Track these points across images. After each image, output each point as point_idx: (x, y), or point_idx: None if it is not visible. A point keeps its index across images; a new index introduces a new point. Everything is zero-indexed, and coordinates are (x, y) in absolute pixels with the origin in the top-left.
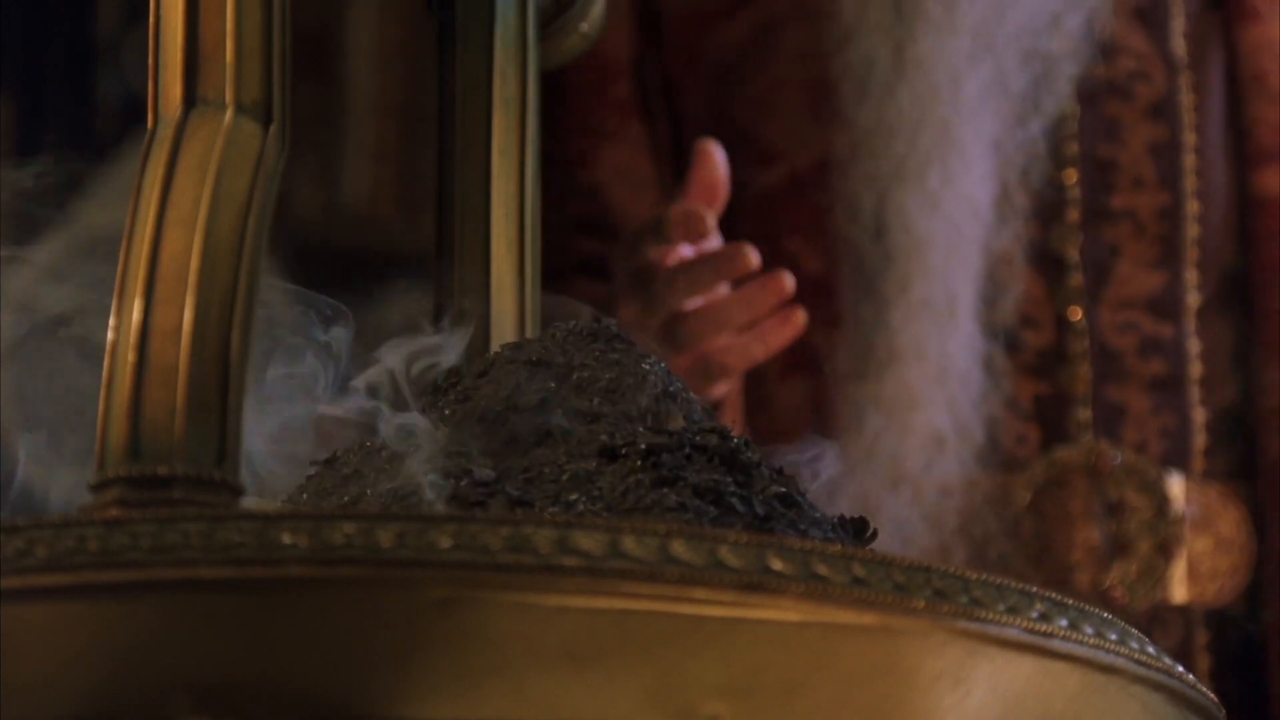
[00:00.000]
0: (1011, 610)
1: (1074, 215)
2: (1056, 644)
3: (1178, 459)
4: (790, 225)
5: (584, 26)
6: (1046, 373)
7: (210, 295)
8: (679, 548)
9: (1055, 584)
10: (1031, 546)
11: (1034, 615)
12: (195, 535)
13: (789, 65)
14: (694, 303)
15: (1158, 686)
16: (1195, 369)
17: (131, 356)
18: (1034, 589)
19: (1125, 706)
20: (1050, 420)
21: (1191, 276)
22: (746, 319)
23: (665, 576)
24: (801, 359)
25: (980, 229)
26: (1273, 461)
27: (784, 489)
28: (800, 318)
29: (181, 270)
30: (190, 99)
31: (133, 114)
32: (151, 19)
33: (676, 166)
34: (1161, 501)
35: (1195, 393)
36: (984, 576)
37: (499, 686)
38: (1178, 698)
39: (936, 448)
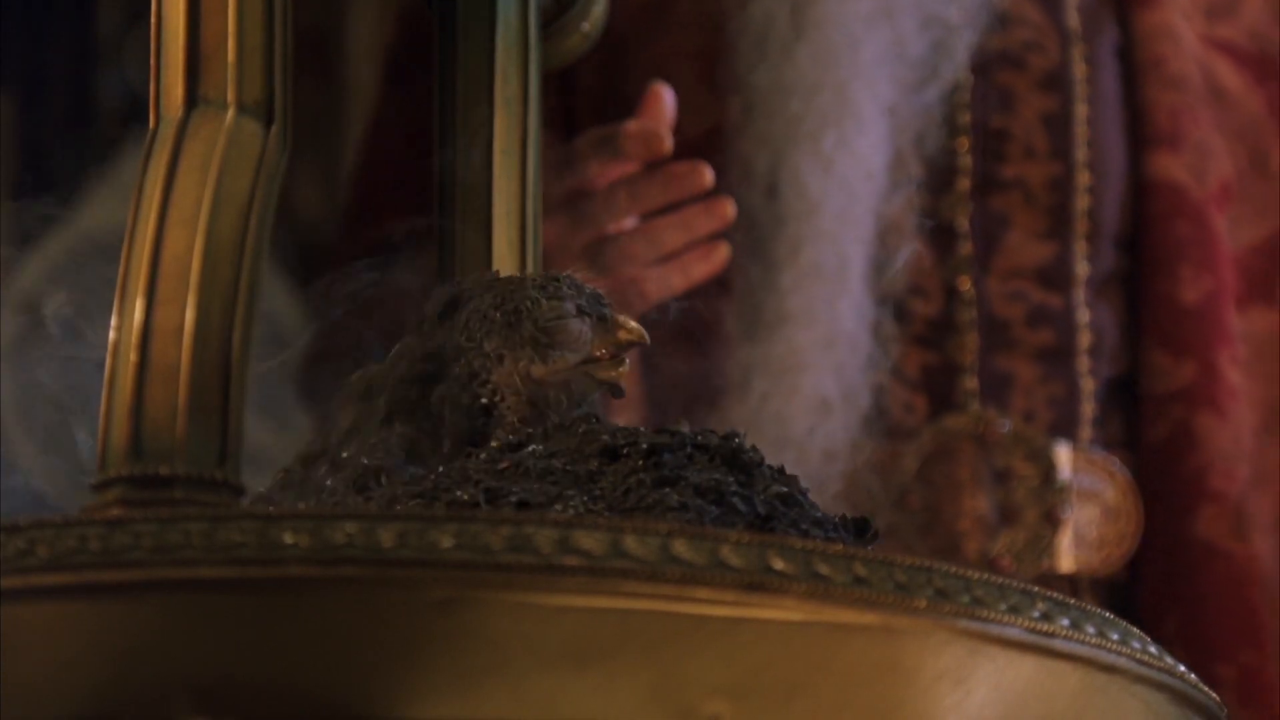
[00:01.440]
0: (1013, 610)
1: (965, 184)
2: (1058, 643)
3: (1065, 428)
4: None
5: (585, 26)
6: (935, 342)
7: (212, 295)
8: (680, 547)
9: (943, 553)
10: (920, 515)
11: (1035, 615)
12: (196, 535)
13: (683, 34)
14: (626, 224)
15: (1159, 686)
16: (1084, 339)
17: (133, 356)
18: (1035, 589)
19: (1127, 706)
20: (938, 389)
21: (1081, 247)
22: (681, 243)
23: (667, 576)
24: (689, 321)
25: (873, 194)
26: (1154, 444)
27: (785, 489)
28: (723, 253)
29: (183, 270)
30: (192, 99)
31: (134, 114)
32: (153, 19)
33: (568, 139)
34: (1049, 470)
35: (1084, 363)
36: (986, 576)
37: (500, 686)
38: (1179, 697)
39: (822, 412)
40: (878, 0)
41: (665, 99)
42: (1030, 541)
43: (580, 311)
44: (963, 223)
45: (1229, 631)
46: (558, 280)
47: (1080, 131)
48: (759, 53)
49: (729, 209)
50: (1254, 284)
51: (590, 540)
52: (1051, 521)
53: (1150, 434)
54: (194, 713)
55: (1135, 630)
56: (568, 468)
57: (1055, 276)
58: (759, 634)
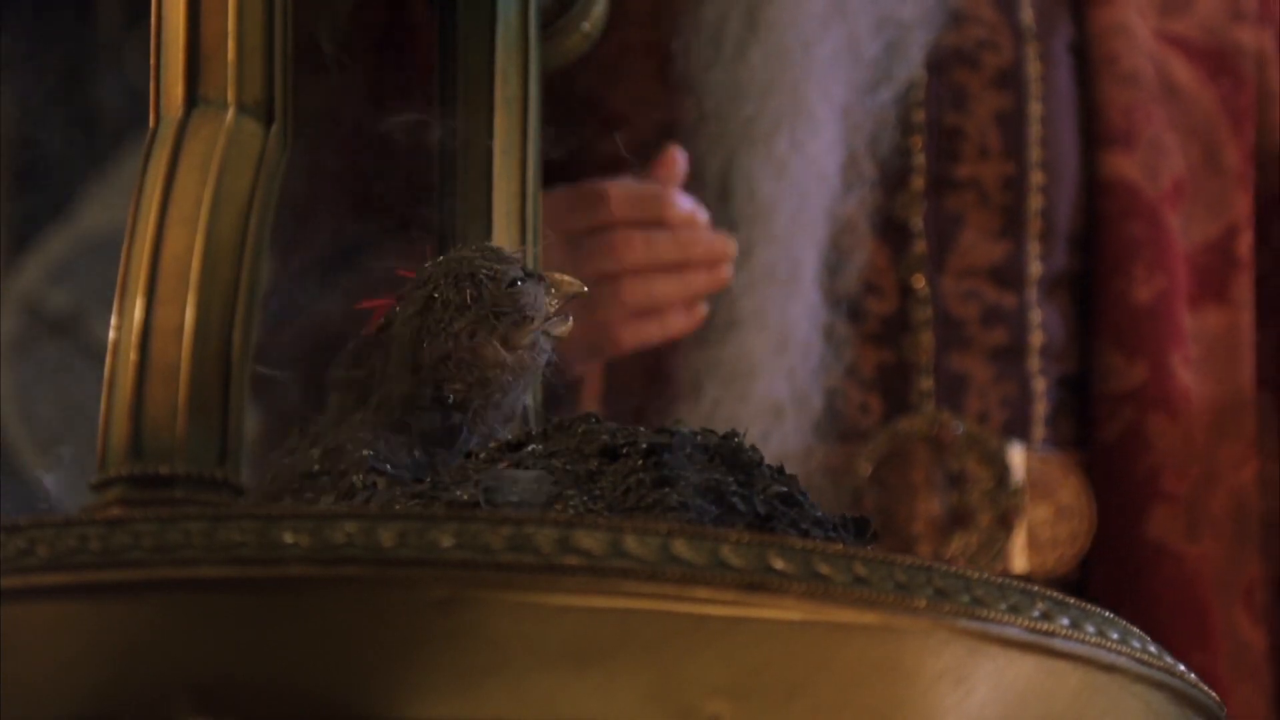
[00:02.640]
0: (1013, 609)
1: (919, 183)
2: (1058, 643)
3: (1018, 428)
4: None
5: (585, 26)
6: (890, 340)
7: (212, 294)
8: (680, 547)
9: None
10: (874, 518)
11: (1035, 614)
12: (197, 534)
13: (637, 29)
14: (630, 267)
15: (1159, 685)
16: (1036, 338)
17: (133, 355)
18: (1036, 588)
19: (1127, 705)
20: (893, 389)
21: (1035, 247)
22: (673, 299)
23: (667, 576)
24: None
25: (826, 195)
26: (1106, 445)
27: (785, 488)
28: (702, 312)
29: (183, 269)
30: (192, 99)
31: (134, 114)
32: (153, 19)
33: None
34: (1002, 472)
35: (1035, 362)
36: (986, 575)
37: (500, 686)
38: (1179, 696)
39: (775, 416)
40: (832, 0)
41: (678, 163)
42: (984, 544)
43: (526, 274)
44: (917, 222)
45: (1180, 632)
46: (494, 250)
47: (1034, 131)
48: (712, 52)
49: (728, 275)
50: (1206, 282)
51: (590, 540)
52: (1005, 525)
53: (1102, 434)
54: (194, 712)
55: (1135, 630)
56: (567, 467)
57: (1009, 275)
58: (759, 634)
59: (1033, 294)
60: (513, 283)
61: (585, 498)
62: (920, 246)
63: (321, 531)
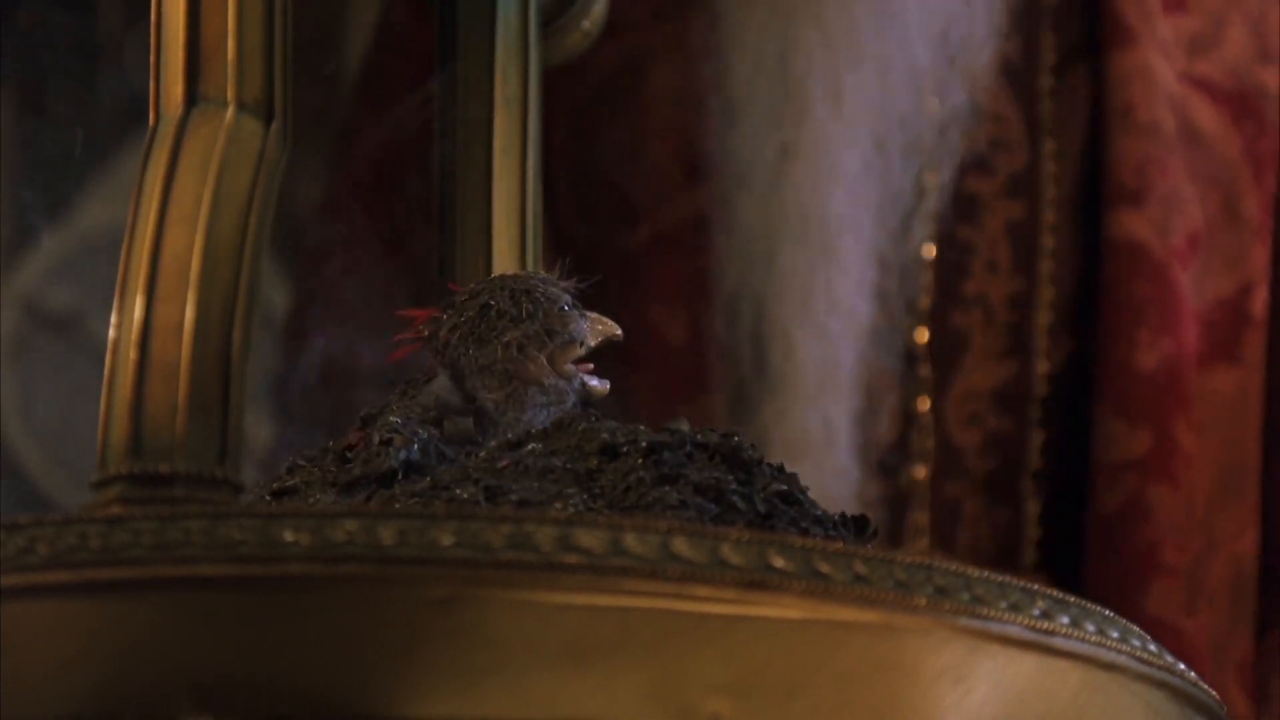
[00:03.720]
0: (1013, 608)
1: (926, 302)
2: (1058, 641)
3: (1009, 556)
4: (653, 293)
5: (585, 25)
6: (890, 468)
7: (212, 293)
8: (681, 545)
9: None
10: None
11: (1036, 613)
12: (197, 533)
13: (658, 109)
14: None
15: (1159, 684)
16: (1033, 461)
17: (133, 354)
18: (1035, 586)
19: (1127, 704)
20: (890, 520)
21: (1041, 366)
22: None
23: (667, 574)
24: None
25: (858, 347)
26: (1105, 516)
27: (785, 487)
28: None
29: (183, 268)
30: (192, 97)
31: (135, 112)
32: (153, 17)
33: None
34: None
35: (1028, 485)
36: (985, 574)
37: (500, 684)
38: (1179, 695)
39: None
40: (866, 131)
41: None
42: None
43: (573, 304)
44: (922, 342)
45: None
46: (549, 278)
47: (1045, 242)
48: (743, 182)
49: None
50: (1217, 341)
51: (590, 538)
52: None
53: (1101, 504)
54: (194, 710)
55: (1135, 628)
56: (568, 466)
57: (1010, 397)
58: (759, 632)
59: (1034, 413)
60: (564, 307)
61: (586, 496)
62: (925, 369)
63: (322, 530)
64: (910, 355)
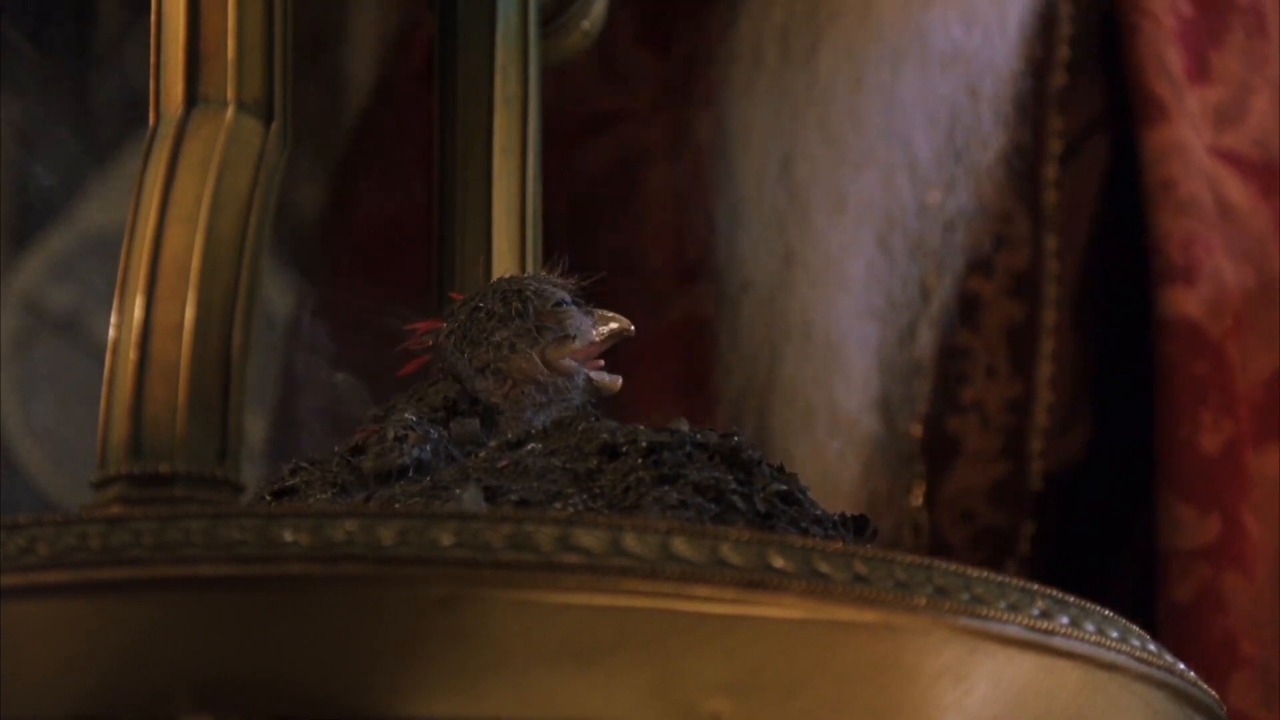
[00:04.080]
0: (1013, 607)
1: (922, 408)
2: (1058, 641)
3: None
4: (650, 394)
5: (585, 24)
6: None
7: (212, 293)
8: (680, 545)
9: None
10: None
11: (1035, 613)
12: (197, 533)
13: (657, 207)
14: None
15: (1159, 684)
16: (1022, 548)
17: (133, 354)
18: (1035, 586)
19: (1126, 704)
20: None
21: (1036, 465)
22: None
23: (666, 574)
24: None
25: (859, 459)
26: (1179, 606)
27: (785, 486)
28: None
29: (183, 268)
30: (192, 97)
31: (135, 112)
32: (153, 17)
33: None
34: None
35: (1012, 568)
36: (985, 574)
37: (500, 684)
38: (1179, 695)
39: None
40: (870, 233)
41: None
42: None
43: (576, 303)
44: (916, 437)
45: None
46: (545, 276)
47: (1046, 345)
48: (745, 287)
49: None
50: (1266, 421)
51: (590, 538)
52: None
53: (1174, 594)
54: (195, 710)
55: (1135, 628)
56: (567, 466)
57: (1004, 497)
58: (759, 632)
59: (1028, 506)
60: (559, 303)
61: (585, 496)
62: (919, 467)
63: (322, 529)
64: (905, 455)
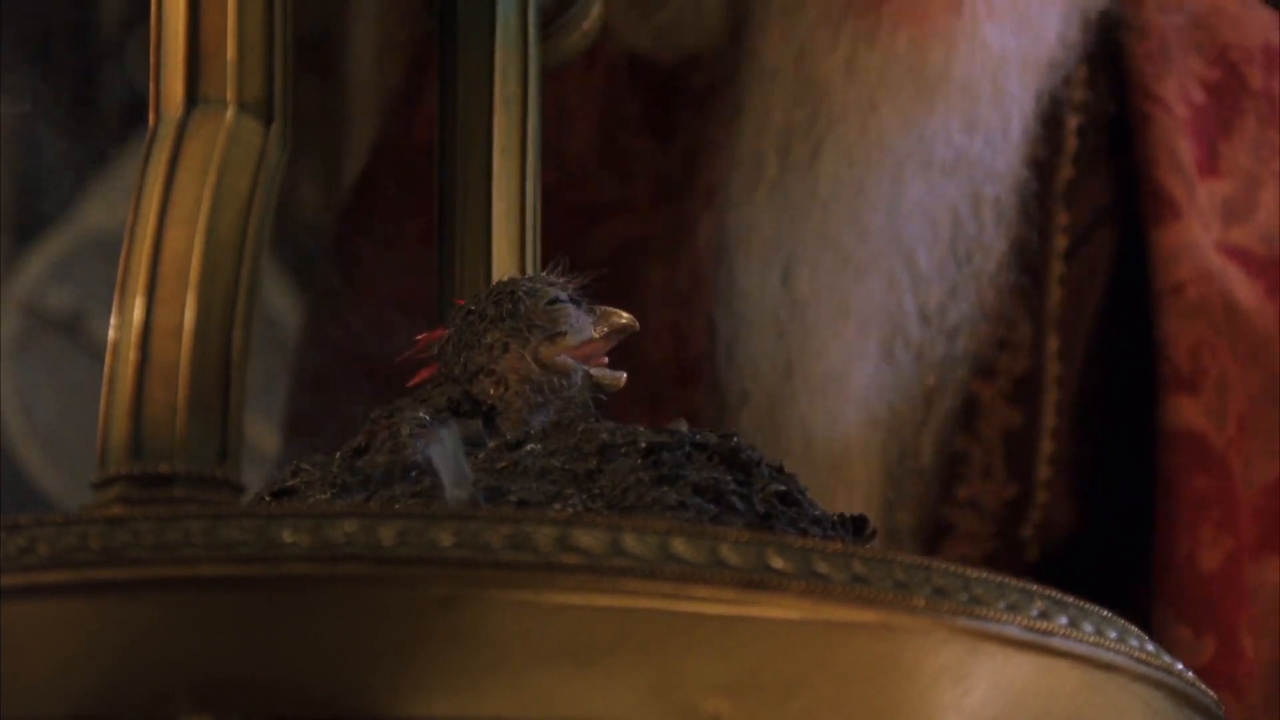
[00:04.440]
0: (1012, 608)
1: (914, 504)
2: (1056, 641)
3: None
4: None
5: (585, 25)
6: None
7: (212, 294)
8: (679, 545)
9: None
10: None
11: (1034, 613)
12: (197, 533)
13: (655, 304)
14: None
15: (1157, 684)
16: None
17: (133, 355)
18: (1034, 587)
19: (1125, 704)
20: None
21: (1031, 553)
22: None
23: (665, 574)
24: None
25: None
26: None
27: (784, 487)
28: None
29: (183, 269)
30: (192, 97)
31: (136, 113)
32: (153, 18)
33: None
34: None
35: None
36: (984, 574)
37: (500, 684)
38: (1177, 695)
39: None
40: (874, 344)
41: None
42: None
43: (573, 300)
44: (908, 525)
45: None
46: (542, 276)
47: (1045, 447)
48: (744, 397)
49: None
50: (1267, 532)
51: (589, 539)
52: None
53: None
54: (195, 710)
55: (1133, 628)
56: (566, 466)
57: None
58: (758, 632)
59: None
60: (553, 301)
61: (584, 496)
62: (908, 547)
63: (321, 530)
64: (896, 538)
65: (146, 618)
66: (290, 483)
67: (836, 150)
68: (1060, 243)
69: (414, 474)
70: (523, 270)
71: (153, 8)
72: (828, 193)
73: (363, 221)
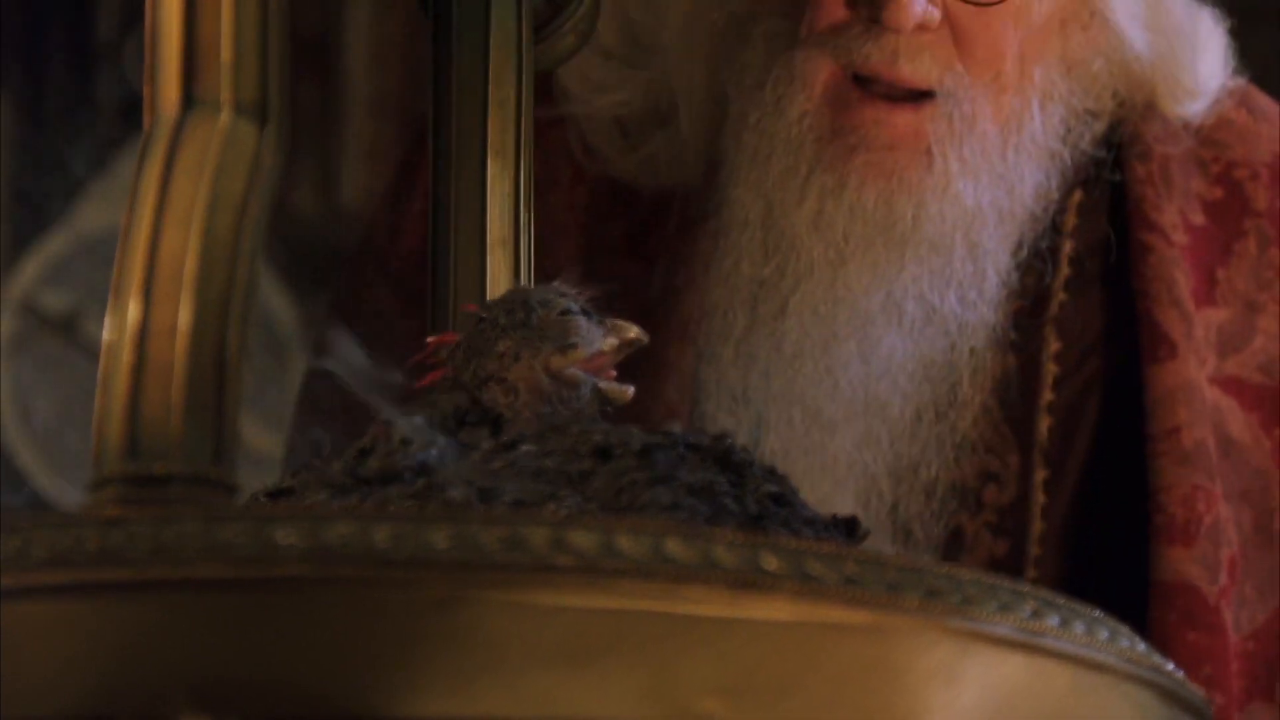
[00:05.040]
0: (1003, 609)
1: None
2: (1047, 642)
3: None
4: None
5: (579, 29)
6: None
7: (207, 295)
8: (673, 547)
9: None
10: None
11: (1025, 614)
12: (192, 534)
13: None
14: None
15: (1147, 684)
16: None
17: (129, 356)
18: (1025, 587)
19: (1115, 704)
20: None
21: None
22: None
23: (659, 575)
24: None
25: None
26: None
27: (777, 488)
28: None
29: (178, 270)
30: (187, 100)
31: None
32: (148, 21)
33: None
34: None
35: None
36: (976, 575)
37: (495, 685)
38: (1167, 695)
39: None
40: (850, 494)
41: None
42: None
43: (584, 313)
44: None
45: None
46: (554, 287)
47: (1028, 577)
48: None
49: None
50: (1256, 678)
51: (583, 540)
52: None
53: None
54: (191, 710)
55: (1124, 629)
56: (561, 467)
57: None
58: (752, 633)
59: None
60: (564, 312)
61: (579, 498)
62: None
63: (316, 532)
64: None
65: (143, 618)
66: (288, 483)
67: (804, 305)
68: (1051, 370)
69: (407, 477)
70: (516, 272)
71: (148, 10)
72: (795, 349)
73: (351, 326)
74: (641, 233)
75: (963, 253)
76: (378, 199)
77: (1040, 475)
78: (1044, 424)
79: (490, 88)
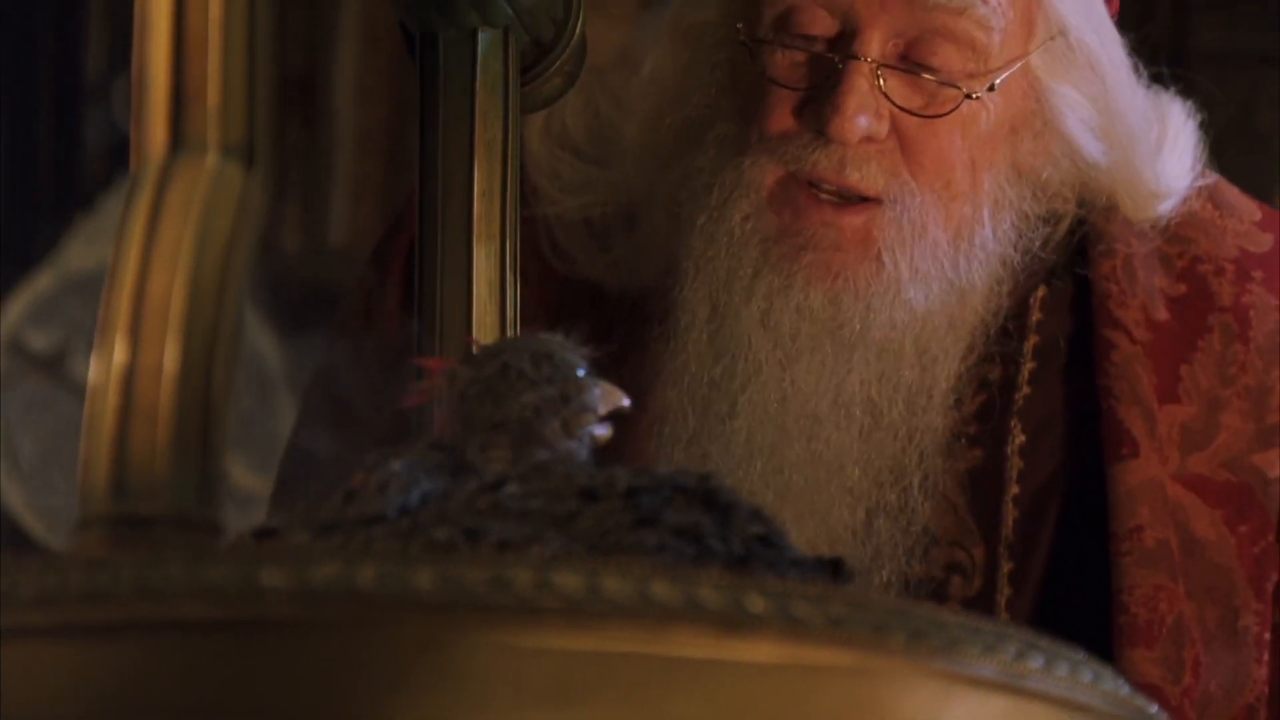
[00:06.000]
0: (987, 650)
1: None
2: (1031, 684)
3: None
4: None
5: (565, 70)
6: None
7: (193, 335)
8: (659, 588)
9: None
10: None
11: (1010, 655)
12: (178, 575)
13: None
14: None
15: None
16: None
17: (115, 396)
18: (1009, 630)
19: None
20: None
21: None
22: None
23: (645, 617)
24: None
25: None
26: None
27: (763, 529)
28: None
29: (165, 311)
30: (174, 141)
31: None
32: (135, 63)
33: None
34: None
35: None
36: (960, 617)
37: None
38: None
39: None
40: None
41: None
42: None
43: (588, 370)
44: None
45: None
46: (562, 341)
47: None
48: None
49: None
50: None
51: (569, 581)
52: None
53: None
54: None
55: (1108, 670)
56: (546, 509)
57: None
58: (737, 674)
59: None
60: (581, 373)
61: (564, 538)
62: None
63: (302, 572)
64: None
65: (129, 659)
66: (273, 524)
67: (753, 405)
68: (1015, 464)
69: (392, 518)
70: (502, 311)
71: (136, 52)
72: (744, 449)
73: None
74: (609, 331)
75: (912, 358)
76: (352, 292)
77: (1006, 568)
78: (1010, 517)
79: (477, 130)
